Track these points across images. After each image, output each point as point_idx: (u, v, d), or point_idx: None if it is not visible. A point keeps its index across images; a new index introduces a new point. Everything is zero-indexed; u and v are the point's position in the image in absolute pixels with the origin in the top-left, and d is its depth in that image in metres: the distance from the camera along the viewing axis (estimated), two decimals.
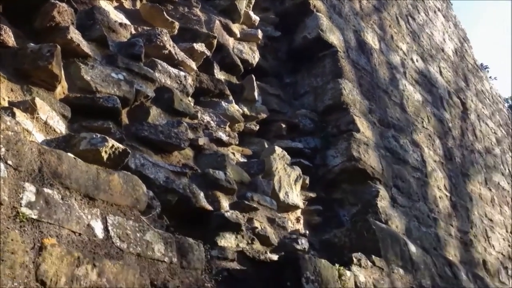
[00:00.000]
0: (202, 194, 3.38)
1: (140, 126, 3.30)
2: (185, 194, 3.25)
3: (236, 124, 4.36)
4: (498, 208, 7.67)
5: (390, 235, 4.48)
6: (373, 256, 4.06)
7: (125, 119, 3.24)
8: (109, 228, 2.17)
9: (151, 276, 2.22)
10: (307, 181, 4.61)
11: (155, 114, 3.50)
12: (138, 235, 2.26)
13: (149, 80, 3.47)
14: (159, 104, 3.56)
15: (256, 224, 3.81)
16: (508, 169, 8.93)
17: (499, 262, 6.81)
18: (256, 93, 4.68)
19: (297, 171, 4.50)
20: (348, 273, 3.63)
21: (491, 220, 7.14)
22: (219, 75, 4.44)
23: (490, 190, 7.61)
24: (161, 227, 2.72)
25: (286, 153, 4.45)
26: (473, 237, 6.32)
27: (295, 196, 4.40)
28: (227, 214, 3.50)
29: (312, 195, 4.68)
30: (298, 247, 3.92)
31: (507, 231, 7.61)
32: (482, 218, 6.85)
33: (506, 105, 11.81)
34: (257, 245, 3.70)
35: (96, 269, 1.99)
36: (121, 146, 2.71)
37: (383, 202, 4.80)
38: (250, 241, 3.69)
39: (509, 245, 7.41)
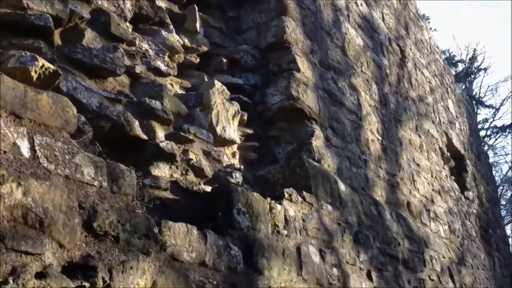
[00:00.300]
0: (137, 123, 3.33)
1: (74, 48, 3.17)
2: (119, 121, 3.20)
3: (176, 55, 4.27)
4: (426, 154, 8.03)
5: (321, 173, 4.61)
6: (304, 192, 4.18)
7: (57, 39, 3.10)
8: (36, 148, 2.11)
9: (80, 199, 2.20)
10: (245, 117, 4.63)
11: (90, 37, 3.36)
12: (67, 157, 2.21)
13: (84, 0, 3.31)
14: (94, 27, 3.42)
15: (191, 156, 3.81)
16: (439, 118, 9.30)
17: (422, 205, 7.19)
18: (198, 25, 4.57)
19: (236, 106, 4.50)
20: (279, 206, 3.74)
21: (418, 165, 7.48)
22: (160, 2, 4.29)
23: (420, 136, 7.93)
24: (92, 152, 2.67)
25: (225, 88, 4.43)
26: (400, 180, 6.62)
27: (232, 131, 4.42)
28: (162, 144, 3.48)
29: (249, 131, 4.72)
30: (232, 180, 3.98)
31: (432, 176, 8.01)
32: (410, 163, 7.16)
33: (443, 56, 12.16)
34: (191, 177, 3.73)
35: (21, 188, 1.94)
36: (52, 66, 2.59)
37: (317, 142, 4.90)
38: (184, 172, 3.70)
39: (432, 189, 7.83)
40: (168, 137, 3.70)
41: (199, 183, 3.72)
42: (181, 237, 2.74)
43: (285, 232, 3.68)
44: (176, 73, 4.18)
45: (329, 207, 4.47)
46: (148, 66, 3.83)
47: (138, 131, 3.32)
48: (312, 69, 5.30)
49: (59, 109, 2.36)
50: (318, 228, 4.16)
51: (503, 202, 36.11)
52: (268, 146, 4.92)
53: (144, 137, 3.38)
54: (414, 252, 5.95)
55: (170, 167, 3.63)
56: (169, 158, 3.58)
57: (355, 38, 6.51)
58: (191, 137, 3.84)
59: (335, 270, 4.15)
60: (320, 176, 4.55)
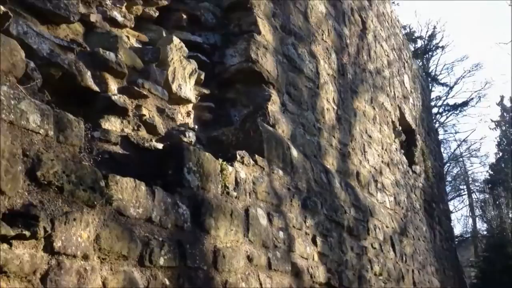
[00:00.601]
0: (89, 74, 3.23)
1: None
2: (70, 70, 3.09)
3: (134, 7, 4.14)
4: (379, 127, 8.18)
5: (275, 138, 4.63)
6: (257, 156, 4.20)
7: None
8: None
9: (24, 146, 2.12)
10: (202, 77, 4.56)
11: None
12: (12, 102, 2.12)
13: None
14: None
15: (144, 111, 3.75)
16: (394, 92, 9.46)
17: (371, 176, 7.36)
18: None
19: (193, 65, 4.42)
20: (230, 168, 3.74)
21: (370, 136, 7.62)
22: None
23: (374, 109, 8.06)
24: (40, 100, 2.57)
25: (184, 45, 4.34)
26: (351, 150, 6.73)
27: (188, 89, 4.35)
28: (115, 98, 3.41)
29: (206, 91, 4.66)
30: (185, 139, 3.94)
31: (382, 149, 8.19)
32: (363, 134, 7.28)
33: (403, 31, 12.28)
34: (143, 133, 3.67)
35: None
36: (2, 8, 2.47)
37: (273, 107, 4.91)
38: (136, 128, 3.64)
39: (382, 161, 8.01)
40: (121, 90, 3.61)
41: (151, 140, 3.67)
42: (129, 192, 2.71)
43: (235, 193, 3.69)
44: (133, 26, 4.06)
45: (280, 172, 4.50)
46: (104, 16, 3.70)
47: (90, 82, 3.23)
48: (273, 33, 5.25)
49: (6, 52, 2.25)
50: (268, 191, 4.20)
51: (448, 179, 37.46)
52: (224, 108, 4.89)
53: (96, 88, 3.29)
54: (359, 221, 6.11)
55: (122, 122, 3.57)
56: (121, 112, 3.50)
57: (318, 5, 6.47)
58: (145, 93, 3.77)
59: (281, 233, 4.22)
60: (273, 141, 4.57)
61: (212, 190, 3.43)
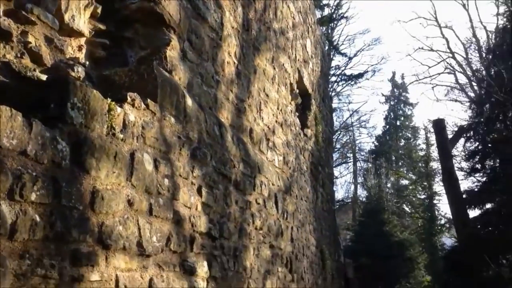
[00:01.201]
0: None
1: None
2: None
3: None
4: (277, 87, 8.30)
5: (170, 84, 4.53)
6: (149, 100, 4.09)
7: None
8: None
9: None
10: (99, 11, 4.31)
11: None
12: None
13: None
14: None
15: (31, 39, 3.49)
16: (295, 55, 9.61)
17: (264, 134, 7.49)
18: None
19: None
20: (119, 109, 3.61)
21: (267, 95, 7.71)
22: None
23: (274, 68, 8.15)
24: None
25: None
26: (247, 106, 6.78)
27: (82, 22, 4.10)
28: None
29: (102, 27, 4.42)
30: (73, 74, 3.73)
31: (278, 109, 8.34)
32: (260, 92, 7.35)
33: None
34: (26, 61, 3.42)
35: None
36: None
37: (172, 52, 4.78)
38: (19, 55, 3.39)
39: (276, 121, 8.18)
40: (7, 13, 3.34)
41: (35, 70, 3.43)
42: (3, 121, 2.52)
43: (121, 136, 3.58)
44: None
45: (172, 120, 4.43)
46: None
47: None
48: None
49: None
50: (157, 137, 4.12)
51: (338, 146, 39.30)
52: (120, 47, 4.69)
53: None
54: (247, 176, 6.23)
55: (4, 47, 3.30)
56: (4, 36, 3.24)
57: None
58: (33, 19, 3.49)
59: (166, 180, 4.19)
60: (168, 87, 4.46)
61: (97, 129, 3.30)
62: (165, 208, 4.12)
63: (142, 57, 4.64)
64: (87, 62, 4.21)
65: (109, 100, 3.51)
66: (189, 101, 4.81)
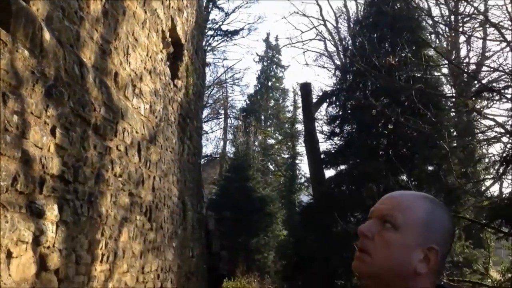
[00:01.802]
0: None
1: None
2: None
3: None
4: (147, 32, 8.03)
5: (27, 14, 4.18)
6: (0, 29, 3.75)
7: None
8: None
9: None
10: None
11: None
12: None
13: None
14: None
15: None
16: (169, 1, 9.35)
17: (130, 79, 7.25)
18: None
19: None
20: None
21: (136, 40, 7.44)
22: None
23: (146, 13, 7.85)
24: None
25: None
26: (113, 49, 6.50)
27: None
28: None
29: None
30: None
31: (147, 55, 8.10)
32: (129, 35, 7.07)
33: None
34: None
35: None
36: None
37: None
38: None
39: (144, 68, 7.95)
40: None
41: None
42: None
43: None
44: None
45: (26, 53, 4.12)
46: None
47: None
48: None
49: None
50: (7, 70, 3.81)
51: (210, 101, 39.46)
52: None
53: None
54: (108, 121, 6.03)
55: None
56: None
57: None
58: None
59: (16, 117, 3.92)
60: (23, 17, 4.12)
61: None
62: (12, 146, 3.86)
63: None
64: None
65: None
66: (46, 35, 4.49)
